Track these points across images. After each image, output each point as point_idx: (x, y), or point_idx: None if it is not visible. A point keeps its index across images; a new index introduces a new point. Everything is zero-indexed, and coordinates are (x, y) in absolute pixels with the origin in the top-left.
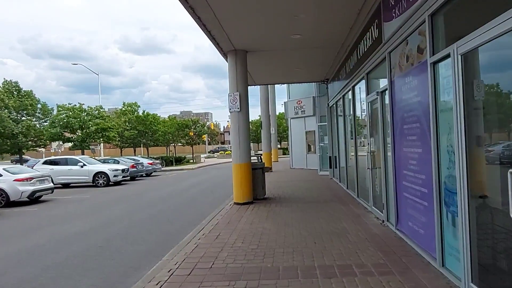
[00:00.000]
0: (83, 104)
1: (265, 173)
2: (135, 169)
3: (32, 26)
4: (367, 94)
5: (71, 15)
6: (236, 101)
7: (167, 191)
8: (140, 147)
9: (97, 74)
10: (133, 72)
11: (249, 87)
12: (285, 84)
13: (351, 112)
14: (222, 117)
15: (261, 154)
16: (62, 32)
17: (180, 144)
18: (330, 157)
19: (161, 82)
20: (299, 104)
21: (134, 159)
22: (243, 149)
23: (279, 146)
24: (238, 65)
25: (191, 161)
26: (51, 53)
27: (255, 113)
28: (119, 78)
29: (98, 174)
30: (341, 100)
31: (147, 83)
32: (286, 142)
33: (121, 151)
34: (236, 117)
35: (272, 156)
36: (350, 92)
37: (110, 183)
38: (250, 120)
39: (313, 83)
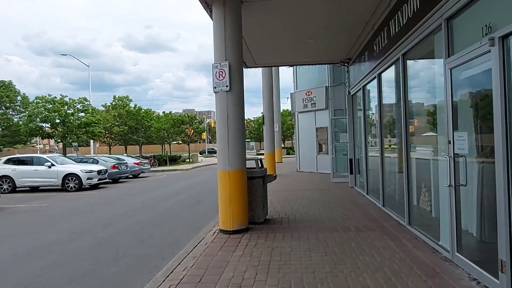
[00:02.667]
0: (66, 96)
1: (268, 183)
2: (116, 170)
3: (36, 23)
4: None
5: (75, 12)
6: (223, 75)
7: (143, 199)
8: (134, 144)
9: (88, 66)
10: (136, 70)
11: (247, 70)
12: (292, 72)
13: (404, 96)
14: None
15: (262, 158)
16: (66, 30)
17: (176, 142)
18: (350, 160)
19: (164, 80)
20: (309, 95)
21: (118, 158)
22: (234, 149)
23: (282, 145)
24: (228, 20)
25: (187, 160)
26: (55, 50)
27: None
28: (123, 76)
29: (68, 176)
30: (375, 82)
31: (150, 81)
32: (290, 141)
33: (110, 148)
34: (224, 100)
35: (275, 157)
36: (393, 70)
37: (84, 186)
38: (252, 118)
39: (326, 70)
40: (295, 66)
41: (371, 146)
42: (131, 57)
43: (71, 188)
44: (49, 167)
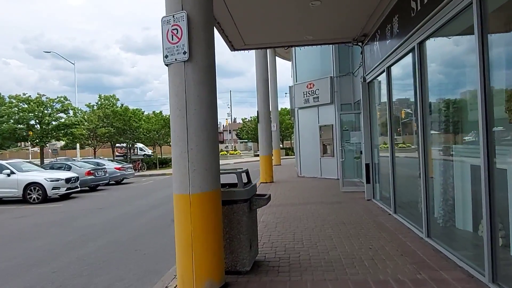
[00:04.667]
0: (44, 95)
1: (260, 208)
2: (92, 176)
3: (35, 26)
4: None
5: (73, 15)
6: (179, 35)
7: (110, 216)
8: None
9: (73, 63)
10: (134, 71)
11: (237, 53)
12: (291, 63)
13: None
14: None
15: (246, 169)
16: (64, 32)
17: (167, 144)
18: (367, 166)
19: (163, 82)
20: (310, 88)
21: (98, 163)
22: (200, 157)
23: (281, 145)
24: None
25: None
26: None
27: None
28: (121, 78)
29: (30, 186)
30: (408, 59)
31: (149, 83)
32: (289, 141)
33: (94, 151)
34: (181, 77)
35: (273, 159)
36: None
37: (49, 197)
38: (249, 118)
39: (331, 57)
40: (294, 51)
41: (401, 146)
42: (129, 59)
43: (34, 199)
44: (8, 175)
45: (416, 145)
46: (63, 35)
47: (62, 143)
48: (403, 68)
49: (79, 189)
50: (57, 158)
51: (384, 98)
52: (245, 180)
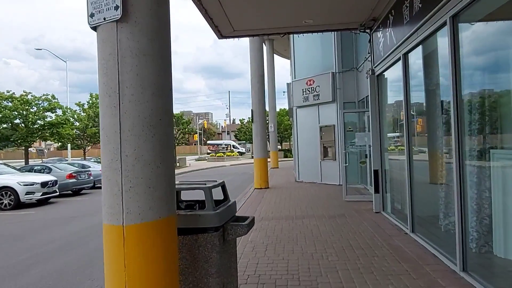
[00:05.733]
0: (30, 92)
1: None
2: (74, 179)
3: (35, 27)
4: None
5: (73, 16)
6: None
7: (80, 228)
8: None
9: (65, 61)
10: None
11: (238, 53)
12: (290, 57)
13: None
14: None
15: (222, 182)
16: (64, 33)
17: None
18: (375, 173)
19: None
20: (310, 85)
21: (83, 166)
22: (140, 165)
23: (279, 147)
24: None
25: (175, 164)
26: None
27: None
28: None
29: (2, 190)
30: (433, 42)
31: None
32: (288, 143)
33: (84, 152)
34: (113, 42)
35: (271, 162)
36: None
37: (23, 202)
38: (244, 119)
39: (333, 50)
40: (293, 44)
41: (419, 149)
42: None
43: (5, 205)
44: None
45: (448, 148)
46: (63, 36)
47: (58, 144)
48: (426, 53)
49: (58, 193)
50: (43, 159)
51: (398, 93)
52: (220, 196)
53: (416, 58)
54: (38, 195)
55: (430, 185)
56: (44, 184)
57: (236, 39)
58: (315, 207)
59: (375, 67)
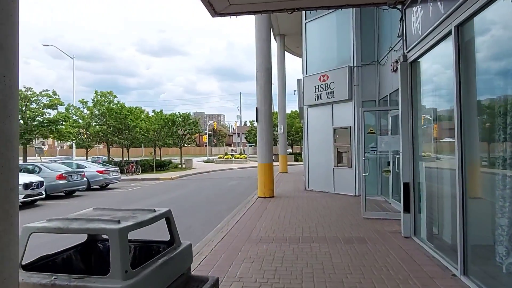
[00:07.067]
0: (30, 88)
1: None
2: (64, 181)
3: (54, 28)
4: None
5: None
6: None
7: (44, 241)
8: (122, 147)
9: (72, 58)
10: (149, 73)
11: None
12: (302, 50)
13: None
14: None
15: (165, 212)
16: (82, 34)
17: (166, 145)
18: (405, 186)
19: (176, 84)
20: (324, 81)
21: (78, 166)
22: None
23: (290, 150)
24: None
25: (180, 166)
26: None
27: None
28: (136, 79)
29: None
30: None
31: (162, 85)
32: (299, 146)
33: (86, 151)
34: None
35: (279, 166)
36: None
37: None
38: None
39: (351, 41)
40: (305, 34)
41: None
42: (144, 61)
43: None
44: None
45: None
46: (80, 37)
47: (59, 142)
48: (495, 19)
49: (44, 196)
50: (41, 157)
51: (444, 81)
52: (161, 236)
53: (478, 29)
54: (19, 198)
55: (492, 205)
56: (27, 186)
57: (233, 16)
58: (327, 225)
59: (407, 52)
